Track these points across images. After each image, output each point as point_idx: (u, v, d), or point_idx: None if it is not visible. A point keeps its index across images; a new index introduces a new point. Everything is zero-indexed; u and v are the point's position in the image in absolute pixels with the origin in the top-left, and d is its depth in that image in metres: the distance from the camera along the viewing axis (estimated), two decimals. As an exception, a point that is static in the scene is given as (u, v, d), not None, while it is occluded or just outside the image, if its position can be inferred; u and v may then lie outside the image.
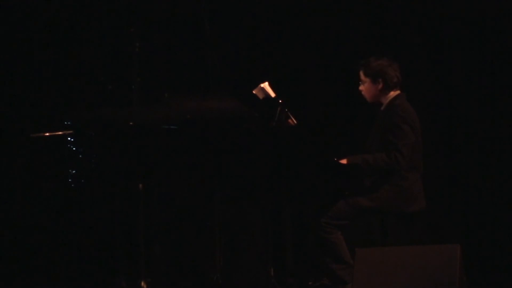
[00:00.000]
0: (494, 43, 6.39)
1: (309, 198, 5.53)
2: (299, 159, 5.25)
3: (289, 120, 5.47)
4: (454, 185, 6.45)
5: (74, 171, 5.50)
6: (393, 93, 5.43)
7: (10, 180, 6.50)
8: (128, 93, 6.63)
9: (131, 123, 5.39)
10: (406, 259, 4.61)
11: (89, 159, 5.48)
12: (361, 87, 5.48)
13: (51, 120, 6.23)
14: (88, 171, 5.48)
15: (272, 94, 5.47)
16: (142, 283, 5.68)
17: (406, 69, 5.58)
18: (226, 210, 6.40)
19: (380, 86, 5.41)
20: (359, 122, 6.24)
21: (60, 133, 5.44)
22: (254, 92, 5.50)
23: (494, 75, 6.39)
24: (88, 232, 6.40)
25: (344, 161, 5.25)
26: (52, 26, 6.74)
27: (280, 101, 5.45)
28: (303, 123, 5.55)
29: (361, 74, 5.45)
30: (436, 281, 4.49)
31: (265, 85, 5.49)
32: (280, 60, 6.66)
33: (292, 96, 5.82)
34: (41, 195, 6.43)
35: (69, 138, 5.43)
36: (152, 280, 5.76)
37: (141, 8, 6.77)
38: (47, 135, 5.48)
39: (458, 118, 6.45)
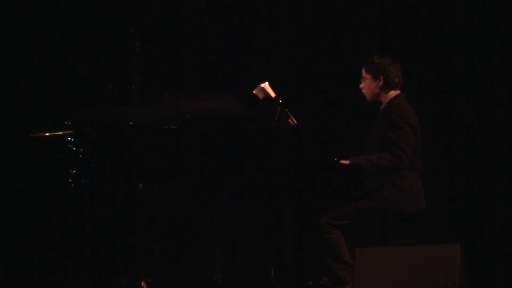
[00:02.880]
0: (494, 42, 6.39)
1: (309, 198, 5.53)
2: (299, 159, 5.25)
3: (289, 120, 5.47)
4: (454, 185, 6.44)
5: (74, 171, 5.49)
6: (393, 93, 5.44)
7: (11, 180, 6.49)
8: (128, 93, 6.64)
9: (131, 123, 5.38)
10: (406, 259, 4.61)
11: (89, 159, 5.47)
12: (361, 85, 5.49)
13: (51, 120, 6.23)
14: (88, 171, 5.47)
15: (272, 94, 5.47)
16: (142, 283, 5.67)
17: (406, 69, 5.58)
18: (226, 210, 6.40)
19: (381, 83, 5.42)
20: (359, 122, 6.24)
21: (60, 133, 5.43)
22: (254, 92, 5.51)
23: (494, 75, 6.39)
24: (88, 232, 6.40)
25: (346, 162, 5.24)
26: (52, 26, 6.74)
27: (280, 101, 5.45)
28: (303, 123, 5.55)
29: (363, 71, 5.47)
30: (436, 281, 4.49)
31: (265, 85, 5.49)
32: (280, 60, 6.65)
33: (292, 96, 5.83)
34: (41, 195, 6.43)
35: (69, 138, 5.42)
36: (152, 280, 5.76)
37: (141, 8, 6.77)
38: (47, 135, 5.48)
39: (458, 118, 6.44)
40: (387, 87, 5.43)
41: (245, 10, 6.76)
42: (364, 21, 6.58)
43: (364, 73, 5.47)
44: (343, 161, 5.24)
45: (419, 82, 6.40)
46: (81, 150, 5.44)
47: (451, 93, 6.47)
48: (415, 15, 6.52)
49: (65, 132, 5.42)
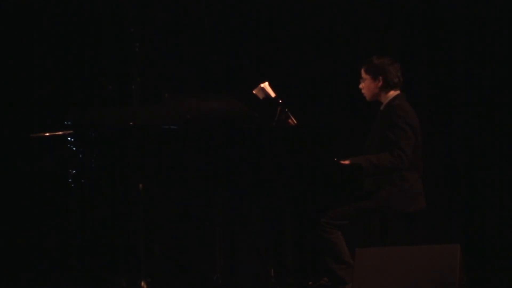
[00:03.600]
0: (494, 42, 6.39)
1: (309, 198, 5.53)
2: (299, 159, 5.25)
3: (289, 120, 5.47)
4: (454, 185, 6.45)
5: (74, 171, 5.49)
6: (392, 93, 5.44)
7: (10, 180, 6.50)
8: (128, 93, 6.64)
9: (131, 123, 5.38)
10: (406, 259, 4.61)
11: (89, 159, 5.47)
12: (361, 85, 5.50)
13: (51, 120, 6.23)
14: (88, 171, 5.47)
15: (272, 94, 5.47)
16: (142, 283, 5.67)
17: (406, 69, 5.59)
18: (226, 210, 6.40)
19: (380, 84, 5.42)
20: (359, 122, 6.25)
21: (60, 133, 5.43)
22: (254, 92, 5.51)
23: (494, 75, 6.39)
24: (88, 232, 6.40)
25: (346, 162, 5.25)
26: (52, 25, 6.74)
27: (280, 101, 5.45)
28: (303, 123, 5.55)
29: (362, 71, 5.48)
30: (436, 281, 4.49)
31: (265, 85, 5.49)
32: (280, 60, 6.66)
33: (292, 96, 5.82)
34: (41, 195, 6.43)
35: (69, 138, 5.42)
36: (152, 280, 5.76)
37: (141, 8, 6.77)
38: (47, 135, 5.48)
39: (458, 118, 6.45)
40: (386, 87, 5.43)
41: (245, 10, 6.76)
42: (364, 21, 6.58)
43: (363, 74, 5.47)
44: (343, 161, 5.24)
45: (419, 82, 6.40)
46: (81, 150, 5.44)
47: (451, 93, 6.47)
48: (415, 14, 6.52)
49: (65, 132, 5.42)
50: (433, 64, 6.50)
